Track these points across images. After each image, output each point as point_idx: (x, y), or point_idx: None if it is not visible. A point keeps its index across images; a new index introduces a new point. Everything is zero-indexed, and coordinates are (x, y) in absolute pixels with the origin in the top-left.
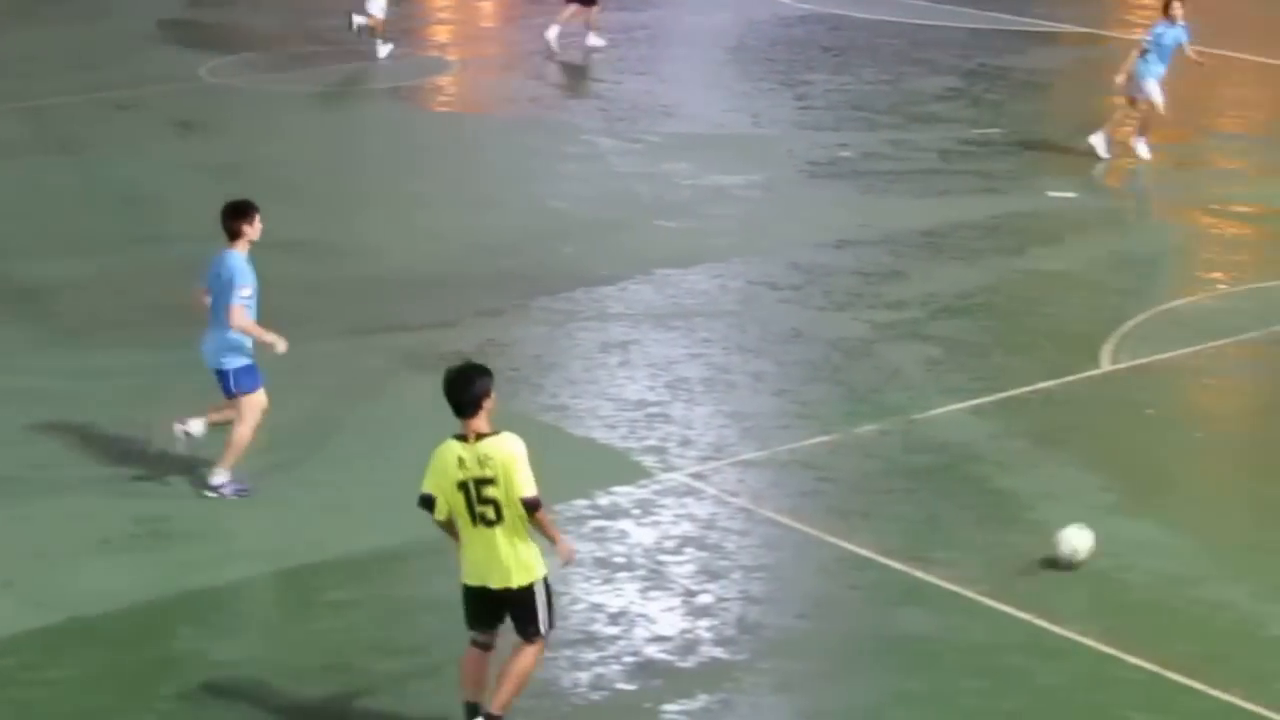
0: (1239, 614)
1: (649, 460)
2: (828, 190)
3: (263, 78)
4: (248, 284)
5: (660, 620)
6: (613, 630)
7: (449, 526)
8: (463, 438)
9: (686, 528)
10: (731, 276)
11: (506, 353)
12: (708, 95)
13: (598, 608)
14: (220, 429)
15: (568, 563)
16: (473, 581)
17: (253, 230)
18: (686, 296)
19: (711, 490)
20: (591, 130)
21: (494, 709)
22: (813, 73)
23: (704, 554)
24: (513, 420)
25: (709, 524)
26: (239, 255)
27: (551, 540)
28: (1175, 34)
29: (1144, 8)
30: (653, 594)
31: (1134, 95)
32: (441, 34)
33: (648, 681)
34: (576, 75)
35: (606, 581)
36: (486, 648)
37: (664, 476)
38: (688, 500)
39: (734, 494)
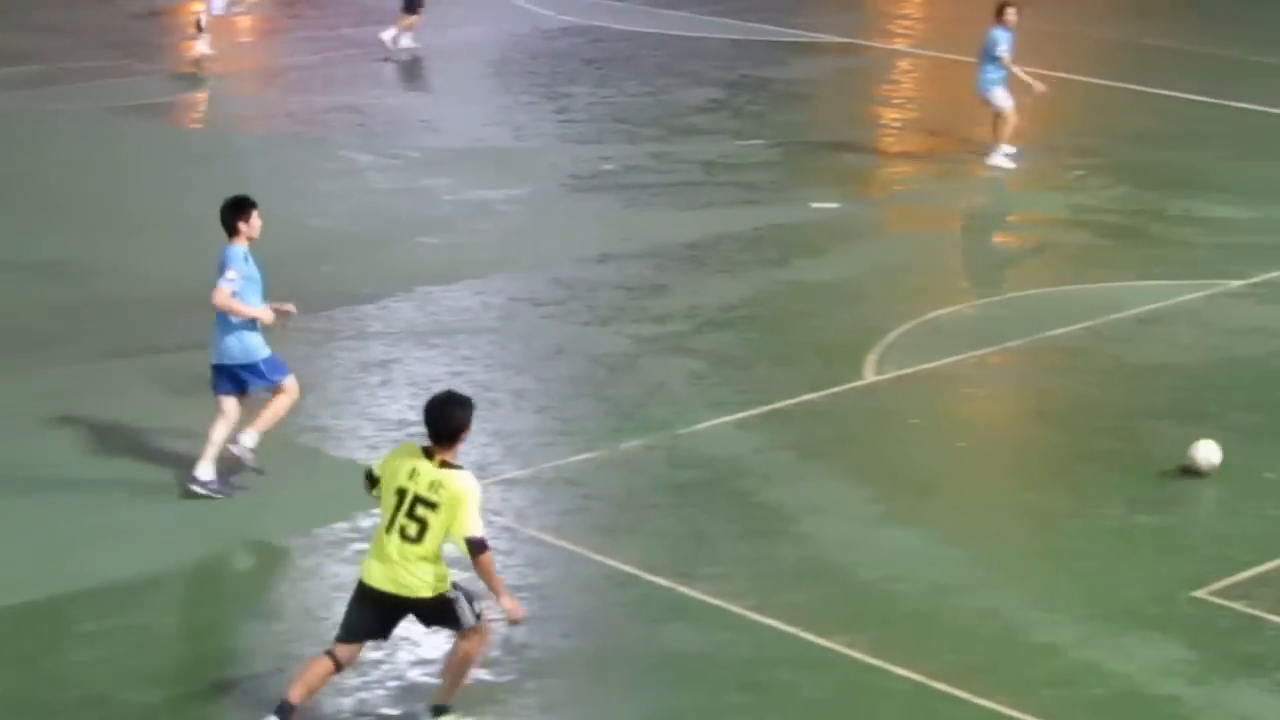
0: (1004, 622)
1: None
2: (590, 204)
3: (13, 95)
4: (234, 268)
5: (424, 643)
6: (376, 654)
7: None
8: (429, 453)
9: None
10: (493, 293)
11: None
12: (468, 109)
13: None
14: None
15: (515, 623)
16: (372, 582)
17: (249, 227)
18: (448, 314)
19: None
20: (350, 146)
21: (443, 699)
22: (574, 85)
23: (467, 575)
24: (271, 442)
25: None
26: (236, 247)
27: (494, 592)
28: (1010, 39)
29: (904, 17)
30: None
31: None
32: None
33: (412, 705)
34: (334, 90)
35: None
36: (340, 667)
37: None
38: None
39: (498, 513)
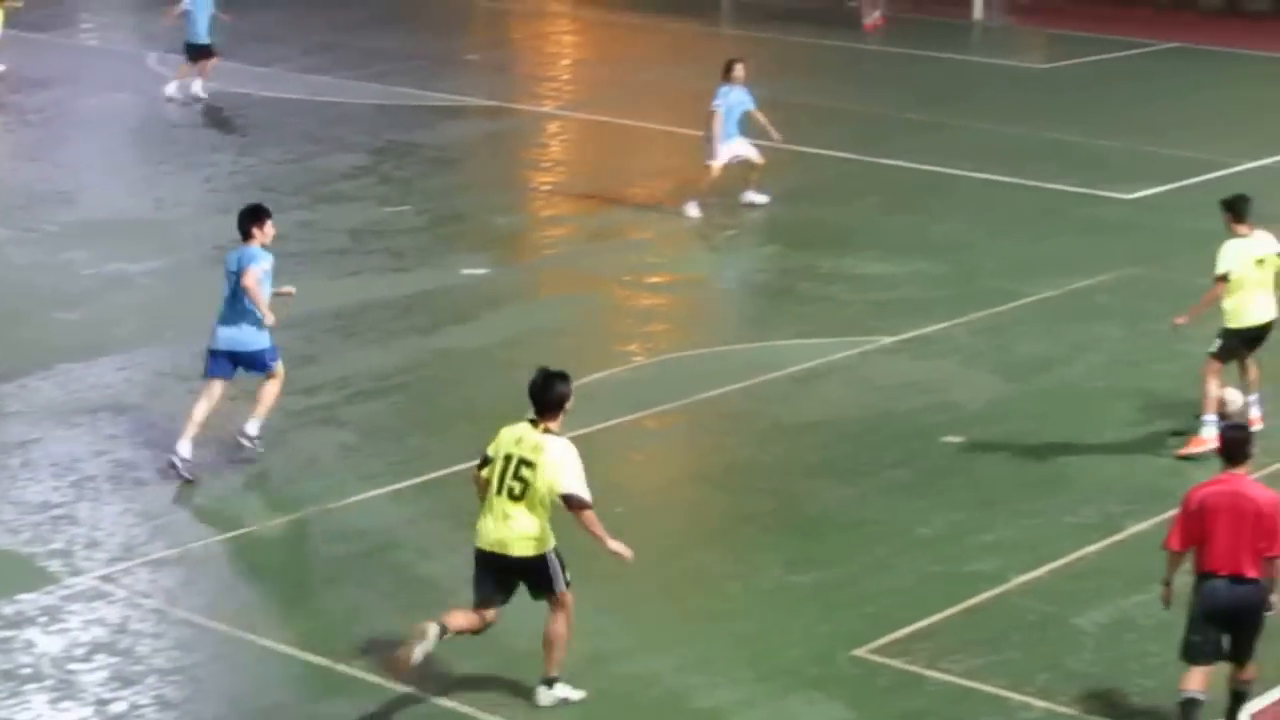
0: (665, 688)
1: (55, 565)
2: None
3: None
4: (259, 263)
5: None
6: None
7: (482, 487)
8: (535, 422)
9: (97, 633)
10: (136, 368)
11: None
12: (109, 180)
13: None
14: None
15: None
16: (484, 545)
17: (262, 233)
18: (89, 391)
19: (122, 593)
20: None
21: (550, 671)
22: (217, 154)
23: (116, 660)
24: None
25: (121, 628)
26: (253, 249)
27: (599, 540)
28: (738, 97)
29: (552, 79)
30: (63, 705)
31: (708, 160)
32: None
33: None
34: None
35: (13, 695)
36: (484, 626)
37: (71, 581)
38: (97, 604)
39: (147, 595)
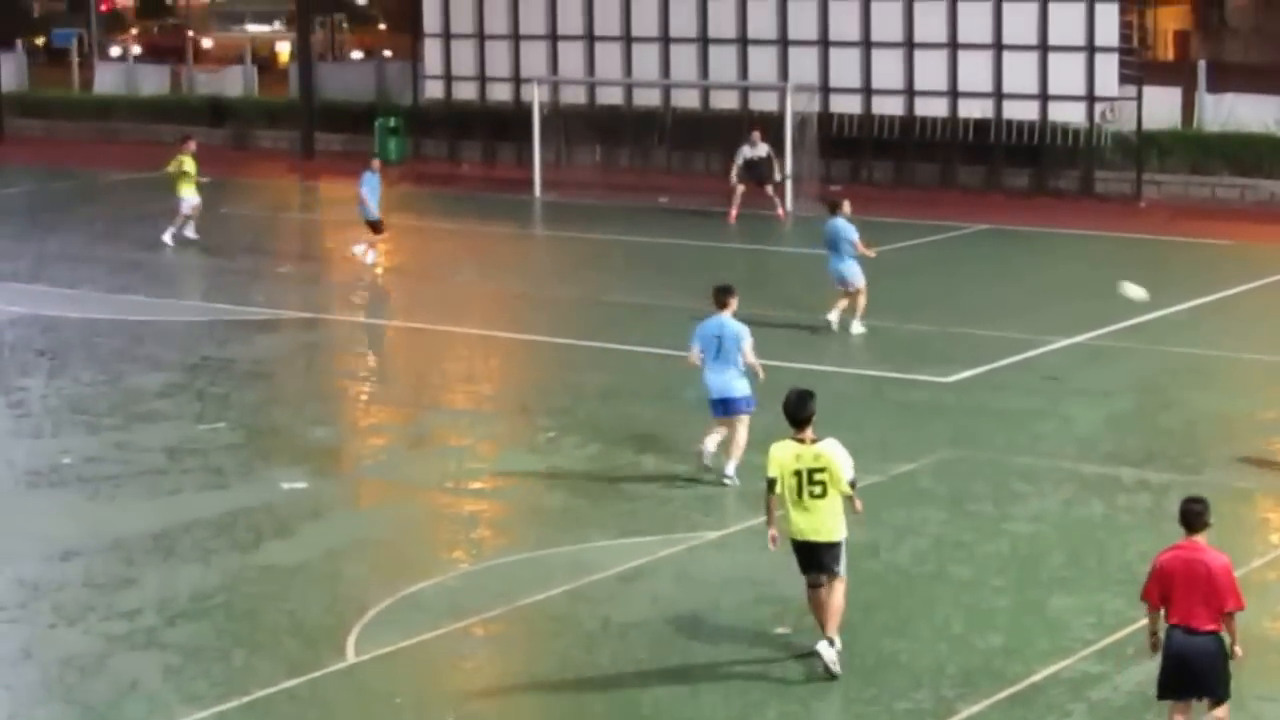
0: None
1: None
2: (50, 500)
3: None
4: (749, 335)
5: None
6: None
7: (773, 502)
8: (799, 440)
9: None
10: None
11: None
12: None
13: None
14: None
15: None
16: (799, 538)
17: (733, 304)
18: None
19: None
20: None
21: (829, 633)
22: (27, 378)
23: None
24: None
25: None
26: (733, 320)
27: (853, 503)
28: (849, 230)
29: (365, 289)
30: None
31: (846, 287)
32: None
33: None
34: None
35: None
36: (818, 587)
37: None
38: None
39: None
